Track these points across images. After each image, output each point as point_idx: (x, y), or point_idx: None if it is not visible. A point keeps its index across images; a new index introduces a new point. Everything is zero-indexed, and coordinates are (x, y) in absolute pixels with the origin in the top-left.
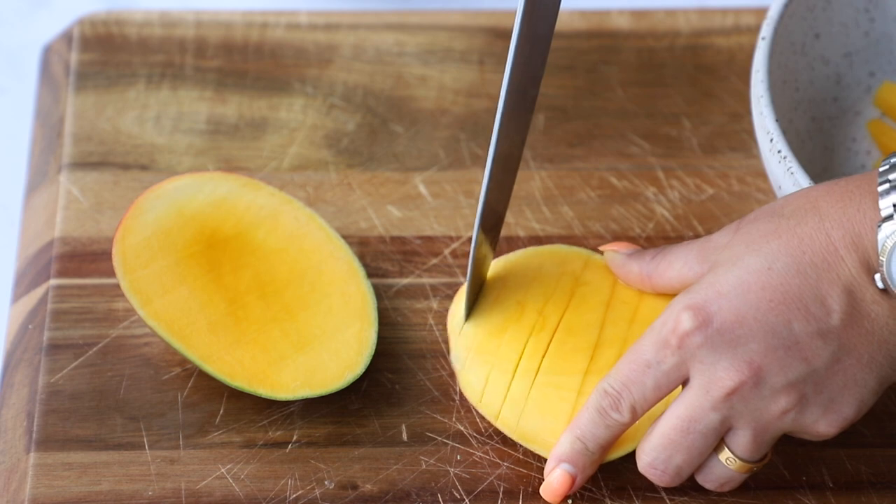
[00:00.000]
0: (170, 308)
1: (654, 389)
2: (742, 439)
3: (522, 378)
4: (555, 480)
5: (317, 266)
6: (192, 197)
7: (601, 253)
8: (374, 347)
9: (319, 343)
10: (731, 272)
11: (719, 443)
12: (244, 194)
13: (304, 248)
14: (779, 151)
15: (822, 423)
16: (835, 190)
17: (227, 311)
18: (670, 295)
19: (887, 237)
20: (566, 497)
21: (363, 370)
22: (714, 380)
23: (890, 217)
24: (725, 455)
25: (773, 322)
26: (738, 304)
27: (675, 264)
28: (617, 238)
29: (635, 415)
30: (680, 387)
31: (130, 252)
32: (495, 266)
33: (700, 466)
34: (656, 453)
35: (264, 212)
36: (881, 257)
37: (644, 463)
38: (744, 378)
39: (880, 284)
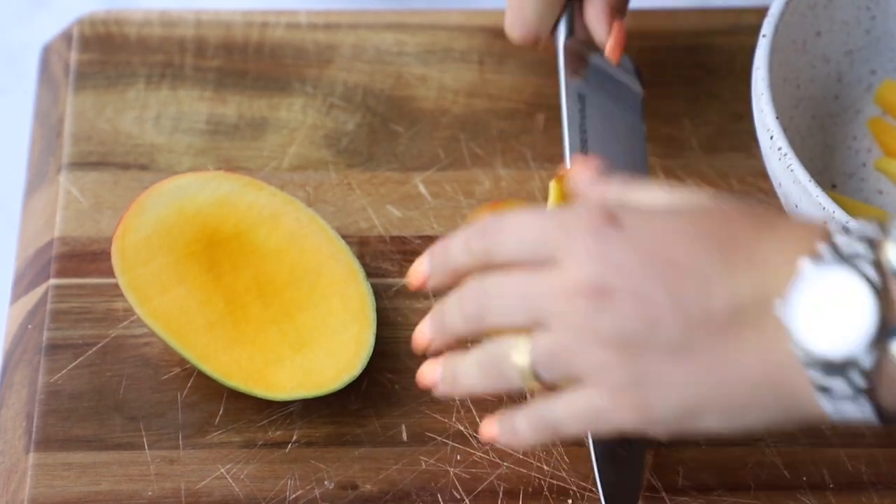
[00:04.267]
0: (168, 306)
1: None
2: (545, 340)
3: None
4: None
5: (317, 267)
6: (193, 196)
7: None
8: (371, 350)
9: (317, 344)
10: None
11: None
12: (246, 194)
13: (305, 249)
14: (779, 149)
15: (623, 407)
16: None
17: (226, 310)
18: None
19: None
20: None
21: (360, 372)
22: (568, 270)
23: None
24: (520, 347)
25: (674, 257)
26: (653, 224)
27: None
28: None
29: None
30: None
31: (130, 249)
32: None
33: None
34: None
35: (266, 212)
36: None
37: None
38: (592, 290)
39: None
